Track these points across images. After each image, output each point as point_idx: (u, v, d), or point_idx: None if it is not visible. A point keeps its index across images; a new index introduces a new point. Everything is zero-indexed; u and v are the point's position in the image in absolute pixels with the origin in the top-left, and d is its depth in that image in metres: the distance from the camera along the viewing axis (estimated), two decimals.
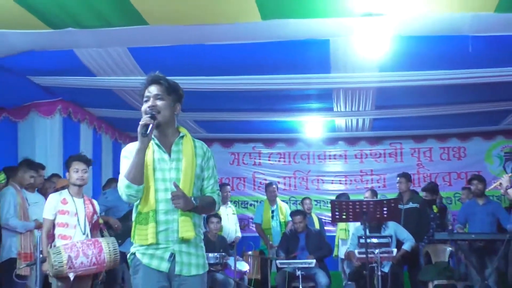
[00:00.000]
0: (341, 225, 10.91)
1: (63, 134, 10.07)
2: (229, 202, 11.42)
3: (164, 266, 3.84)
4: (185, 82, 8.23)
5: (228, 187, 11.65)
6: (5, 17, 6.66)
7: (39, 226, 7.78)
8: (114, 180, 10.09)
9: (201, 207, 3.97)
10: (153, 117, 3.79)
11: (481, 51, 7.70)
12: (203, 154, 4.07)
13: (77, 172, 6.76)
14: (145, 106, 3.90)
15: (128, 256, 4.01)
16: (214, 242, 9.83)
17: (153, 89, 3.93)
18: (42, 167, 8.57)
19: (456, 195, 12.34)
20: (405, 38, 7.50)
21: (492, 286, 9.30)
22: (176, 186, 3.80)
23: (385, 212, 8.20)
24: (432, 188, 11.73)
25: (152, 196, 3.86)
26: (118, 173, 4.04)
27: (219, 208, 4.28)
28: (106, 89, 9.27)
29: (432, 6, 6.65)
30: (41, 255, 6.70)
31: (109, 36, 7.25)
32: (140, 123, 3.75)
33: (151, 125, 3.75)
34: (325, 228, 12.08)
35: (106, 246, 6.44)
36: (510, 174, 8.20)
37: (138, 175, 3.78)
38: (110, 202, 8.95)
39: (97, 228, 7.02)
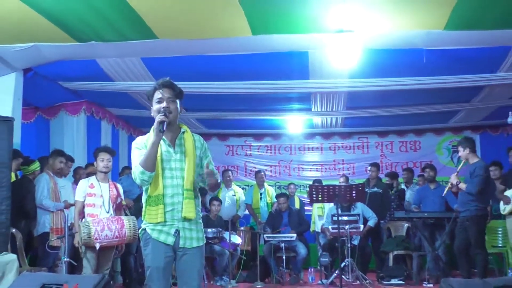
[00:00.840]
0: (318, 203, 10.89)
1: (87, 130, 10.06)
2: (232, 185, 11.39)
3: (170, 240, 3.87)
4: (189, 86, 8.28)
5: (230, 172, 11.62)
6: (39, 33, 6.68)
7: (67, 206, 7.80)
8: (127, 168, 10.10)
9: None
10: (166, 116, 3.79)
11: (434, 61, 7.74)
12: (201, 146, 4.09)
13: (103, 161, 6.86)
14: (158, 106, 3.89)
15: (139, 231, 4.03)
16: (214, 221, 9.92)
17: (167, 93, 3.92)
18: (72, 159, 8.61)
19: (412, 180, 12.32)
20: (371, 51, 7.53)
21: (440, 255, 9.33)
22: (207, 166, 3.91)
23: (354, 195, 8.22)
24: (393, 174, 11.80)
25: (160, 182, 3.87)
26: None
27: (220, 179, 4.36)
28: (123, 92, 9.25)
29: (393, 25, 6.68)
30: (70, 230, 6.76)
31: (125, 48, 7.26)
32: (157, 120, 3.77)
33: (165, 123, 3.77)
34: (296, 207, 12.11)
35: (127, 222, 6.54)
36: (455, 173, 8.28)
37: (152, 164, 3.80)
38: (124, 187, 8.90)
39: (120, 208, 7.06)
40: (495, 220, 9.54)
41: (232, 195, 11.06)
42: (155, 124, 3.79)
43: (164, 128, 3.77)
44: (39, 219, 7.78)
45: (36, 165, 7.96)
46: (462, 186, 8.17)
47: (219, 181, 4.00)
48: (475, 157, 8.36)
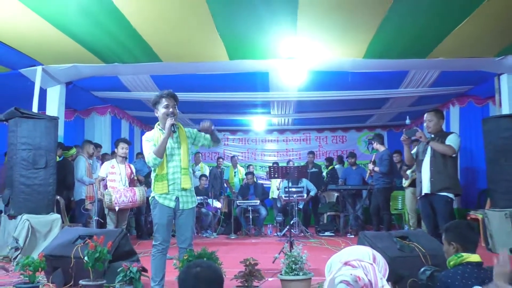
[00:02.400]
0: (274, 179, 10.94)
1: (111, 126, 9.96)
2: (200, 163, 11.37)
3: (172, 204, 3.90)
4: (184, 95, 8.25)
5: (200, 154, 11.56)
6: (77, 56, 6.65)
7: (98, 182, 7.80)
8: (140, 153, 10.03)
9: (216, 134, 4.12)
10: (175, 119, 3.87)
11: (356, 80, 7.83)
12: (190, 134, 4.11)
13: (122, 149, 6.87)
14: (166, 110, 3.92)
15: (150, 198, 4.03)
16: (201, 191, 9.88)
17: (172, 101, 3.95)
18: (100, 146, 8.56)
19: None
20: (313, 72, 7.59)
21: (359, 215, 9.47)
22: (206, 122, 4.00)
23: (299, 173, 8.25)
24: (330, 159, 11.92)
25: (165, 165, 3.91)
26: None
27: (220, 143, 4.31)
28: (137, 99, 9.18)
29: (328, 54, 6.74)
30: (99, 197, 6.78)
31: (138, 68, 7.22)
32: (170, 123, 3.82)
33: (175, 124, 3.86)
34: (260, 181, 12.08)
35: (138, 191, 6.59)
36: (371, 163, 8.57)
37: (162, 153, 3.86)
38: (137, 167, 8.84)
39: (133, 182, 7.03)
40: (397, 191, 9.71)
41: (198, 170, 11.03)
42: (167, 125, 3.82)
43: (175, 129, 3.86)
44: (77, 189, 7.75)
45: (73, 151, 7.89)
46: (377, 169, 8.42)
47: (214, 128, 4.07)
48: (382, 147, 8.65)
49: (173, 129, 3.83)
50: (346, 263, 1.65)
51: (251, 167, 12.25)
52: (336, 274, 1.58)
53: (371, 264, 1.76)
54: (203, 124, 4.00)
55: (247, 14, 5.39)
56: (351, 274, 1.58)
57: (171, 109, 3.91)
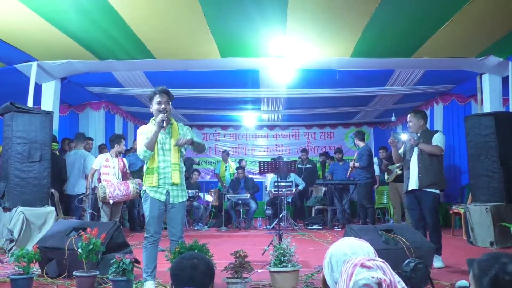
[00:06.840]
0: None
1: (105, 121, 9.91)
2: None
3: (163, 198, 3.90)
4: (176, 92, 8.12)
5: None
6: (72, 53, 6.60)
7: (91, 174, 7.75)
8: (133, 148, 9.99)
9: (196, 144, 4.00)
10: (167, 115, 3.87)
11: (343, 78, 7.85)
12: (183, 132, 4.07)
13: (123, 145, 6.92)
14: (158, 106, 3.92)
15: (141, 192, 4.04)
16: (193, 185, 9.85)
17: (164, 97, 3.94)
18: (91, 139, 8.50)
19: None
20: (301, 70, 7.59)
21: (346, 209, 9.50)
22: (180, 139, 3.87)
23: (288, 168, 8.27)
24: (326, 154, 11.97)
25: (156, 158, 3.91)
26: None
27: (206, 149, 4.22)
28: (130, 95, 9.12)
29: (316, 53, 6.75)
30: (92, 190, 6.73)
31: (132, 64, 7.18)
32: (160, 119, 3.82)
33: (164, 120, 3.84)
34: (250, 176, 12.09)
35: (131, 185, 6.53)
36: (353, 161, 8.69)
37: (152, 146, 3.85)
38: (131, 161, 8.83)
39: (126, 176, 6.99)
40: (382, 186, 9.77)
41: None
42: (158, 119, 3.83)
43: (164, 125, 3.85)
44: (77, 183, 7.69)
45: (55, 146, 7.67)
46: (357, 164, 8.56)
47: (192, 139, 3.96)
48: (362, 143, 8.85)
49: (162, 124, 3.83)
50: (361, 265, 1.60)
51: (243, 161, 12.22)
52: (357, 278, 1.55)
53: (383, 262, 1.70)
54: (177, 142, 3.89)
55: (239, 14, 5.39)
56: (372, 277, 1.55)
57: (163, 105, 3.90)
